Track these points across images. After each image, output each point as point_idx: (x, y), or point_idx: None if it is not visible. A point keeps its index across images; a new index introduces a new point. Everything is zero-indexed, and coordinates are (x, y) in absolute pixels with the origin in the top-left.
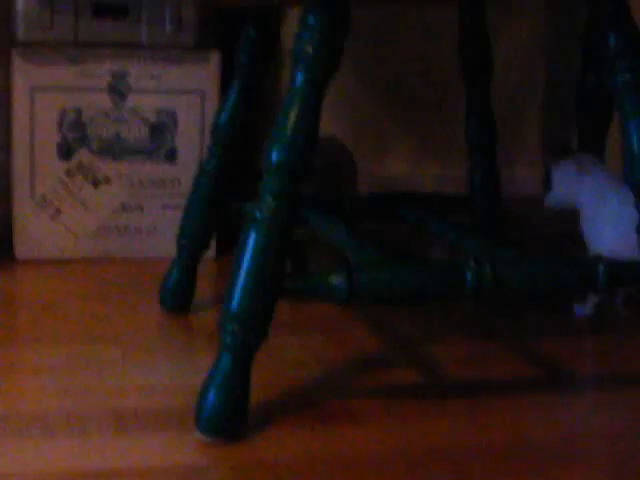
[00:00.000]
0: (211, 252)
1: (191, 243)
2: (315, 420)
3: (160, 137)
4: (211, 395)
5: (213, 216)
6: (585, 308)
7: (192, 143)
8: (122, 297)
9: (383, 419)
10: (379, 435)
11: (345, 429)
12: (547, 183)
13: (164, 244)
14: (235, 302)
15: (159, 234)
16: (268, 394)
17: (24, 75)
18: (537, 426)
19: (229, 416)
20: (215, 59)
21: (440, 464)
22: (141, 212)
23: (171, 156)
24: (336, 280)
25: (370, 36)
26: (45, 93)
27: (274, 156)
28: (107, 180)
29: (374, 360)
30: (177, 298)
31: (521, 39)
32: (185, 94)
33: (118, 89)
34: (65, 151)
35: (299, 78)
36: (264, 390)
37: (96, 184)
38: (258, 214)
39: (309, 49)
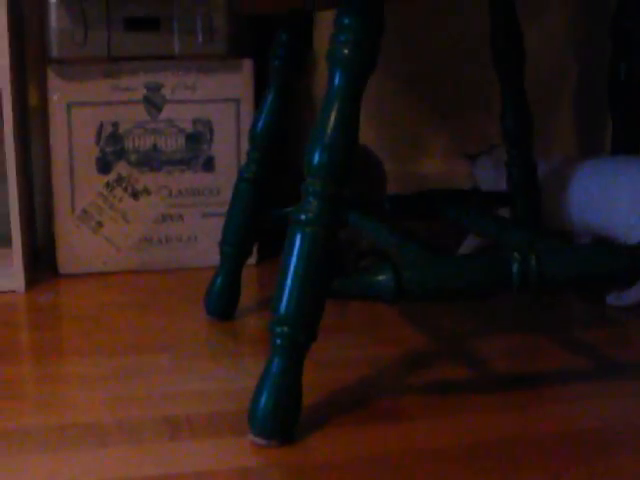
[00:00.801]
0: (252, 258)
1: (234, 249)
2: (366, 419)
3: (197, 146)
4: (263, 398)
5: (254, 222)
6: (624, 297)
7: (229, 151)
8: (167, 306)
9: (433, 416)
10: (430, 432)
11: (396, 427)
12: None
13: (205, 253)
14: (284, 305)
15: (199, 243)
16: (318, 394)
17: (60, 91)
18: (584, 416)
19: (282, 419)
20: (248, 67)
21: (491, 459)
22: (181, 222)
23: (208, 165)
24: (383, 279)
25: (398, 33)
26: (81, 108)
27: (315, 158)
28: (146, 191)
29: (421, 356)
30: (222, 304)
31: (551, 30)
32: (220, 103)
33: (153, 101)
34: (104, 165)
35: (337, 80)
36: (314, 390)
37: (136, 196)
38: (302, 216)
39: (345, 50)
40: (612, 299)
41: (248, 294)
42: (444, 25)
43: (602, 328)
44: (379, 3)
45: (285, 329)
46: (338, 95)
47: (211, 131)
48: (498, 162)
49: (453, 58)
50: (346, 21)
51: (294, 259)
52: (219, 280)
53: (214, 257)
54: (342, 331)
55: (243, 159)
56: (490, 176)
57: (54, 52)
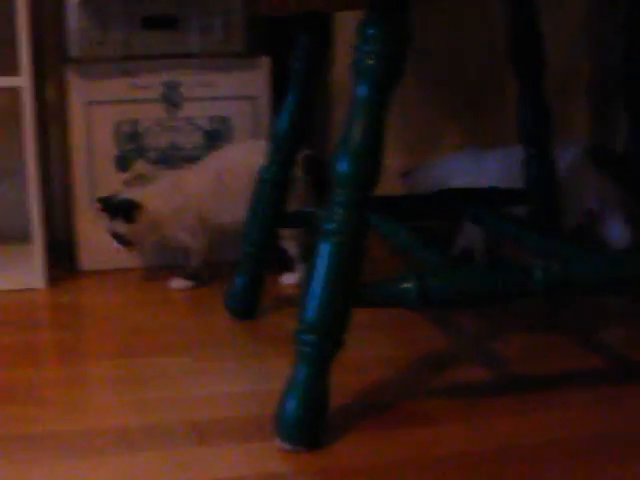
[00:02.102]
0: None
1: (255, 249)
2: (391, 423)
3: (215, 144)
4: (290, 405)
5: (275, 222)
6: None
7: None
8: (188, 305)
9: (458, 419)
10: (455, 436)
11: (421, 431)
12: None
13: (224, 250)
14: (311, 312)
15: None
16: (343, 397)
17: (79, 90)
18: (611, 418)
19: (309, 424)
20: (265, 65)
21: (518, 462)
22: None
23: None
24: (408, 287)
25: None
26: (100, 107)
27: (342, 167)
28: None
29: (443, 358)
30: (243, 304)
31: (566, 26)
32: (237, 100)
33: (171, 99)
34: (123, 162)
35: (362, 90)
36: (337, 392)
37: None
38: (329, 225)
39: (370, 61)
40: None
41: (269, 293)
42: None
43: (623, 328)
44: (404, 12)
45: (312, 337)
46: (364, 105)
47: (229, 128)
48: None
49: (468, 55)
50: (370, 31)
51: (321, 267)
52: (240, 280)
53: (234, 254)
54: (363, 331)
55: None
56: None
57: (73, 51)
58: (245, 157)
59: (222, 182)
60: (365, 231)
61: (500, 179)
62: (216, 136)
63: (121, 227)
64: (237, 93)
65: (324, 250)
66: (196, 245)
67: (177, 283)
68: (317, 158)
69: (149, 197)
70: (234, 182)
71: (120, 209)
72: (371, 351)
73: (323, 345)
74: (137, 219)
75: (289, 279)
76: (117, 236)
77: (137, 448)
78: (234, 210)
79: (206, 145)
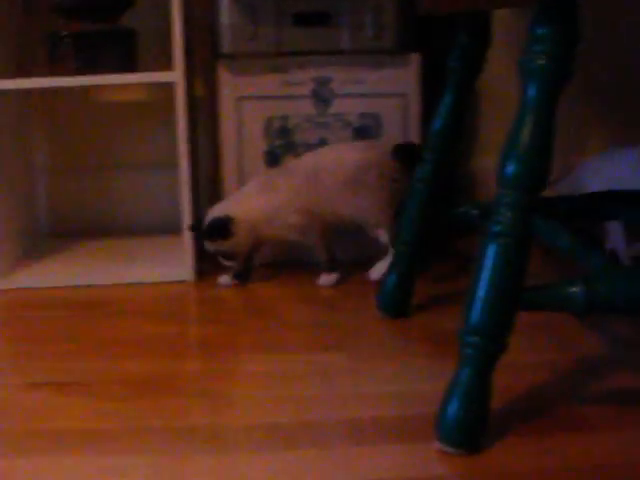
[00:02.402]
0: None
1: (408, 248)
2: (547, 428)
3: (364, 140)
4: (452, 407)
5: (428, 221)
6: None
7: None
8: (337, 302)
9: (614, 428)
10: (613, 445)
11: (581, 437)
12: None
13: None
14: (475, 315)
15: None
16: (503, 401)
17: (230, 86)
18: None
19: (470, 428)
20: (416, 62)
21: None
22: None
23: None
24: (574, 292)
25: None
26: (251, 103)
27: (509, 169)
28: None
29: (598, 362)
30: (395, 303)
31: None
32: (387, 97)
33: (322, 95)
34: (272, 158)
35: (531, 91)
36: (499, 397)
37: None
38: (496, 228)
39: (540, 62)
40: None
41: (420, 291)
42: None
43: None
44: (574, 12)
45: (476, 339)
46: (532, 106)
47: (378, 125)
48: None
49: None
50: (540, 31)
51: (487, 270)
52: (392, 278)
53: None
54: (517, 334)
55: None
56: None
57: (225, 47)
58: (339, 157)
59: (313, 183)
60: (531, 233)
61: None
62: (366, 133)
63: (221, 245)
64: (387, 90)
65: (490, 252)
66: (309, 241)
67: (324, 280)
68: (409, 146)
69: (237, 206)
70: (327, 182)
71: (214, 230)
72: (525, 354)
73: (487, 348)
74: (233, 232)
75: (376, 273)
76: (220, 254)
77: (293, 445)
78: (330, 210)
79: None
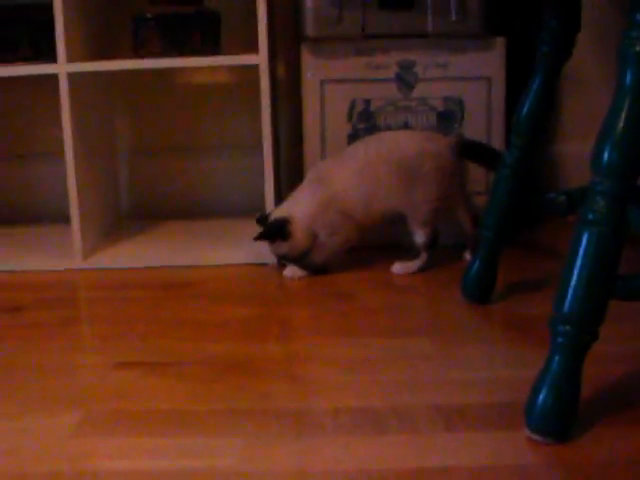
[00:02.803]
0: None
1: (493, 234)
2: (635, 419)
3: (447, 125)
4: (542, 395)
5: (514, 208)
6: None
7: (479, 129)
8: (424, 287)
9: None
10: None
11: None
12: None
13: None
14: (567, 303)
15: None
16: (592, 390)
17: (313, 69)
18: None
19: (560, 417)
20: (500, 46)
21: None
22: None
23: None
24: None
25: None
26: (334, 86)
27: (605, 157)
28: None
29: None
30: (479, 288)
31: None
32: (471, 81)
33: (405, 79)
34: (355, 141)
35: (628, 77)
36: (589, 386)
37: None
38: (590, 215)
39: (638, 48)
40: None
41: (503, 277)
42: None
43: None
44: None
45: (568, 328)
46: (629, 93)
47: (462, 109)
48: None
49: None
50: (639, 17)
51: (580, 258)
52: (477, 264)
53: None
54: (606, 323)
55: (493, 138)
56: None
57: (309, 31)
58: (395, 146)
59: (367, 174)
60: (626, 221)
61: None
62: (449, 117)
63: (282, 247)
64: (471, 74)
65: (583, 240)
66: (331, 243)
67: (289, 272)
68: (466, 141)
69: (294, 206)
70: (381, 172)
71: (272, 232)
72: (615, 344)
73: (579, 337)
74: (291, 233)
75: (400, 268)
76: (281, 256)
77: (382, 430)
78: (386, 199)
79: (439, 126)
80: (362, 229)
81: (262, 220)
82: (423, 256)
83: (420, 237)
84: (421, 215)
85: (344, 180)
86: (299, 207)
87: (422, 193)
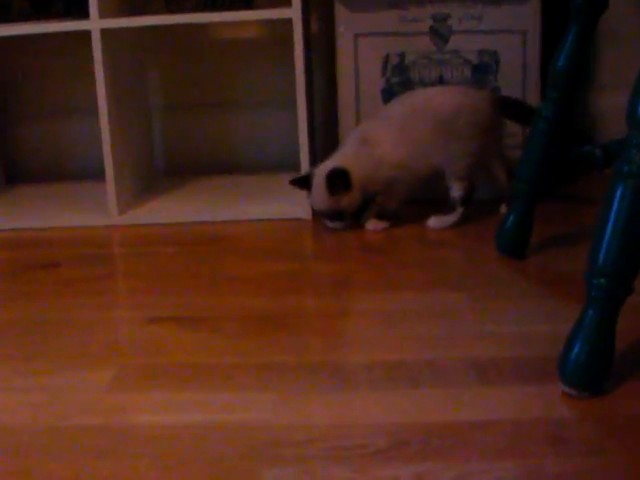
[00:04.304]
0: None
1: (528, 187)
2: None
3: (483, 78)
4: (576, 349)
5: (550, 161)
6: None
7: (514, 82)
8: (460, 241)
9: None
10: None
11: None
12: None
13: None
14: (602, 256)
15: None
16: (626, 344)
17: (347, 22)
18: None
19: (595, 370)
20: None
21: None
22: None
23: None
24: None
25: None
26: (368, 39)
27: (639, 110)
28: None
29: None
30: (514, 243)
31: None
32: (506, 34)
33: (440, 32)
34: (389, 96)
35: None
36: (623, 340)
37: None
38: (625, 168)
39: None
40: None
41: (536, 231)
42: None
43: None
44: None
45: (602, 281)
46: None
47: (497, 62)
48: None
49: None
50: None
51: (614, 211)
52: (512, 218)
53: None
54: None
55: (528, 91)
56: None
57: None
58: (430, 101)
59: (408, 131)
60: None
61: None
62: (484, 70)
63: (339, 200)
64: (506, 27)
65: (618, 192)
66: (389, 197)
67: (372, 225)
68: (502, 97)
69: (346, 161)
70: (419, 127)
71: (335, 180)
72: None
73: (614, 290)
74: (352, 185)
75: (435, 222)
76: (333, 212)
77: (416, 384)
78: (426, 155)
79: (474, 79)
80: (413, 184)
81: (299, 181)
82: (459, 210)
83: (456, 191)
84: (458, 169)
85: (387, 141)
86: (351, 164)
87: (458, 148)
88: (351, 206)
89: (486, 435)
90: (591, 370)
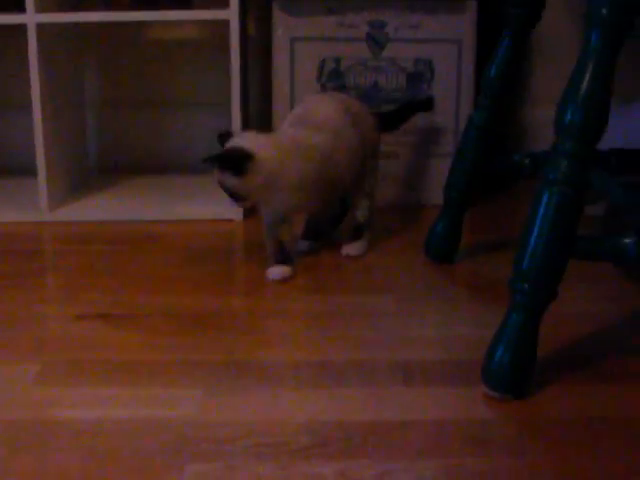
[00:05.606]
0: None
1: (459, 195)
2: (594, 378)
3: (417, 86)
4: (499, 352)
5: (480, 169)
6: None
7: (448, 92)
8: (390, 246)
9: None
10: None
11: (624, 388)
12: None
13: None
14: (526, 261)
15: (418, 183)
16: (549, 349)
17: (284, 26)
18: None
19: (517, 374)
20: (472, 8)
21: None
22: (397, 160)
23: None
24: (627, 242)
25: None
26: (305, 44)
27: (567, 117)
28: None
29: None
30: (443, 248)
31: None
32: (442, 43)
33: (376, 39)
34: None
35: (594, 39)
36: (545, 345)
37: None
38: (551, 175)
39: (603, 10)
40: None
41: (466, 238)
42: None
43: None
44: None
45: (526, 286)
46: (594, 55)
47: (432, 71)
48: None
49: None
50: None
51: (540, 216)
52: (441, 224)
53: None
54: (564, 284)
55: (462, 101)
56: None
57: None
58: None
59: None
60: (587, 183)
61: None
62: (419, 78)
63: (230, 180)
64: (442, 36)
65: (544, 199)
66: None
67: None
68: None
69: (263, 145)
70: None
71: (228, 160)
72: (572, 305)
73: (536, 295)
74: (249, 172)
75: (352, 249)
76: (226, 190)
77: (342, 383)
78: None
79: (408, 87)
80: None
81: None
82: (366, 234)
83: (359, 212)
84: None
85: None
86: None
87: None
88: (245, 192)
89: (408, 434)
90: (513, 373)
